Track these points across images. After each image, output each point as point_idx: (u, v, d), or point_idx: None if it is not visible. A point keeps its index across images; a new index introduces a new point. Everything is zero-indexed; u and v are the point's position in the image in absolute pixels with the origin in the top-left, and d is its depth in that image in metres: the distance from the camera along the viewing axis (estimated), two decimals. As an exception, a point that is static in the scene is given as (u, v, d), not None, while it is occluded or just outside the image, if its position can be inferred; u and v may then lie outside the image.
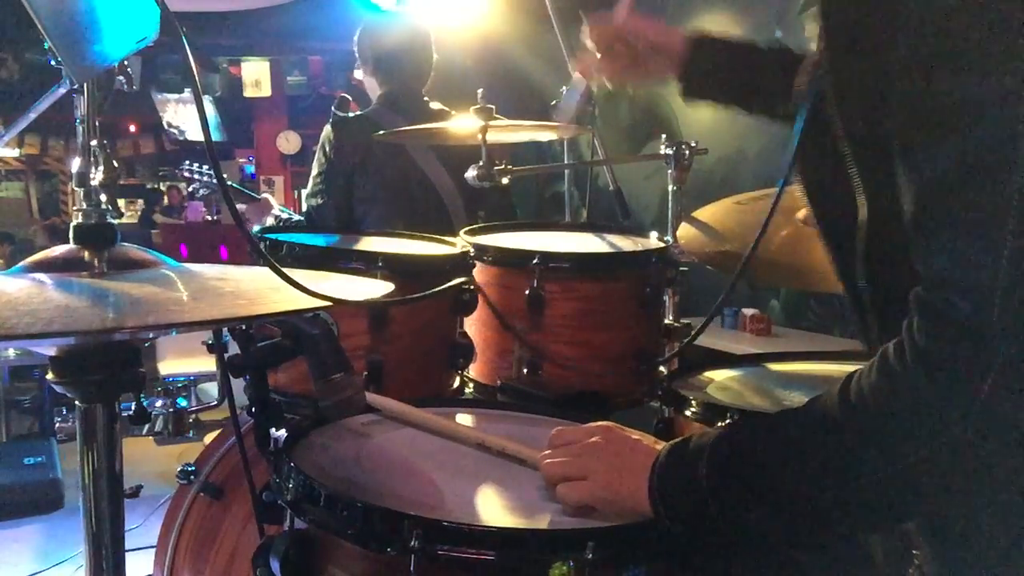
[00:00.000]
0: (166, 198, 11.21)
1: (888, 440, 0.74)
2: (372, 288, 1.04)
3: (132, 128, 10.43)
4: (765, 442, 0.84)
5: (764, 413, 1.34)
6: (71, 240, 0.92)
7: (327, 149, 2.71)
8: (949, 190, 0.70)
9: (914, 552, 0.91)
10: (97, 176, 0.92)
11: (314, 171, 2.76)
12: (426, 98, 2.82)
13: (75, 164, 0.92)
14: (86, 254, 0.91)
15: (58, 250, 0.93)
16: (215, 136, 9.07)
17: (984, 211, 0.68)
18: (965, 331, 0.69)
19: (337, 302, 0.83)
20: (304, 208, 2.82)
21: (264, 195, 3.38)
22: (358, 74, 2.92)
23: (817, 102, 0.90)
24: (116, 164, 0.93)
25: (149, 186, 11.71)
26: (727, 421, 1.33)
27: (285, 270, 0.85)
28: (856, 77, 0.82)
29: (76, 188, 0.91)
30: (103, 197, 0.92)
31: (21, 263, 0.91)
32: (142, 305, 0.82)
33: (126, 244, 0.94)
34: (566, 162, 2.70)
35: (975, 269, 0.68)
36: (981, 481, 0.74)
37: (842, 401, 0.77)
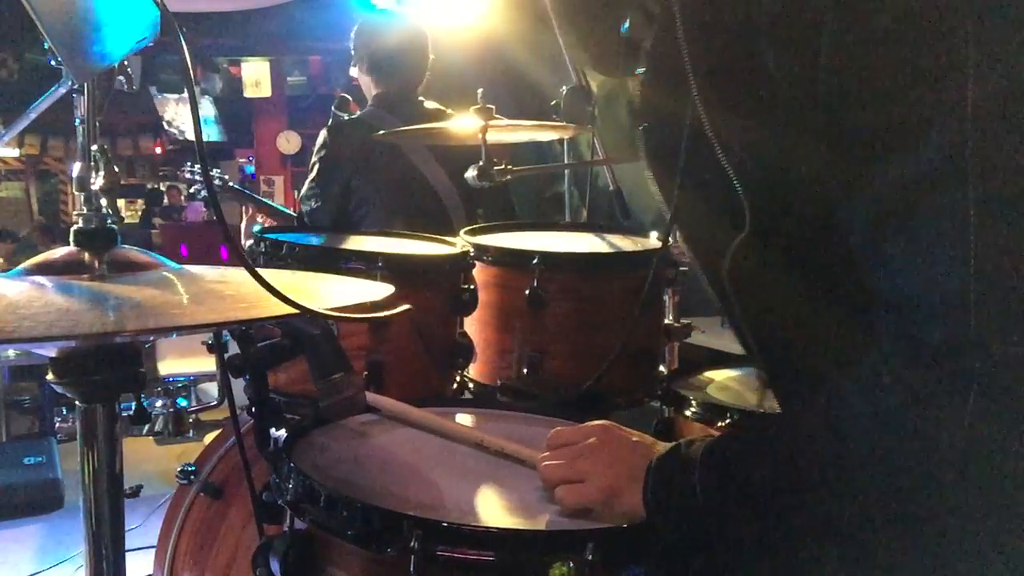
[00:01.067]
0: (166, 198, 11.21)
1: (878, 461, 0.72)
2: (371, 290, 1.04)
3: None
4: (757, 450, 0.84)
5: (763, 417, 1.33)
6: (71, 243, 0.92)
7: (323, 154, 2.72)
8: (905, 210, 0.69)
9: None
10: (97, 180, 0.92)
11: (311, 174, 2.76)
12: (421, 98, 2.82)
13: (75, 168, 0.92)
14: (86, 256, 0.91)
15: (58, 252, 0.93)
16: (215, 136, 9.08)
17: (944, 228, 0.67)
18: (941, 353, 0.67)
19: (305, 311, 0.82)
20: (302, 211, 2.82)
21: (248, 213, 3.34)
22: (353, 72, 2.92)
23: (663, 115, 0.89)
24: (116, 169, 0.93)
25: (150, 186, 11.71)
26: (727, 421, 1.33)
27: (286, 271, 0.84)
28: (737, 114, 0.80)
29: (76, 192, 0.91)
30: (103, 201, 0.91)
31: (22, 265, 0.91)
32: (142, 308, 0.82)
33: (126, 246, 0.94)
34: (566, 162, 2.69)
35: (944, 288, 0.66)
36: (974, 500, 0.72)
37: (828, 417, 0.76)
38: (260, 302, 0.83)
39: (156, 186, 11.63)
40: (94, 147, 0.91)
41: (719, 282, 0.90)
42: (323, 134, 2.75)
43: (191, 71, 0.82)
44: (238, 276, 0.95)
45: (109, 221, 0.91)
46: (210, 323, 0.78)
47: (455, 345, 1.59)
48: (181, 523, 1.58)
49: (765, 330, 0.92)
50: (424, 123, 2.27)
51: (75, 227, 0.91)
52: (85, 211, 0.91)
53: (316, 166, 2.73)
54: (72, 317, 0.75)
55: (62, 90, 1.11)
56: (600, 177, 2.41)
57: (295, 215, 3.12)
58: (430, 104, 2.80)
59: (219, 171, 3.37)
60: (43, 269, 0.90)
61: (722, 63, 0.81)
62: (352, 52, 2.87)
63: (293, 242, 1.57)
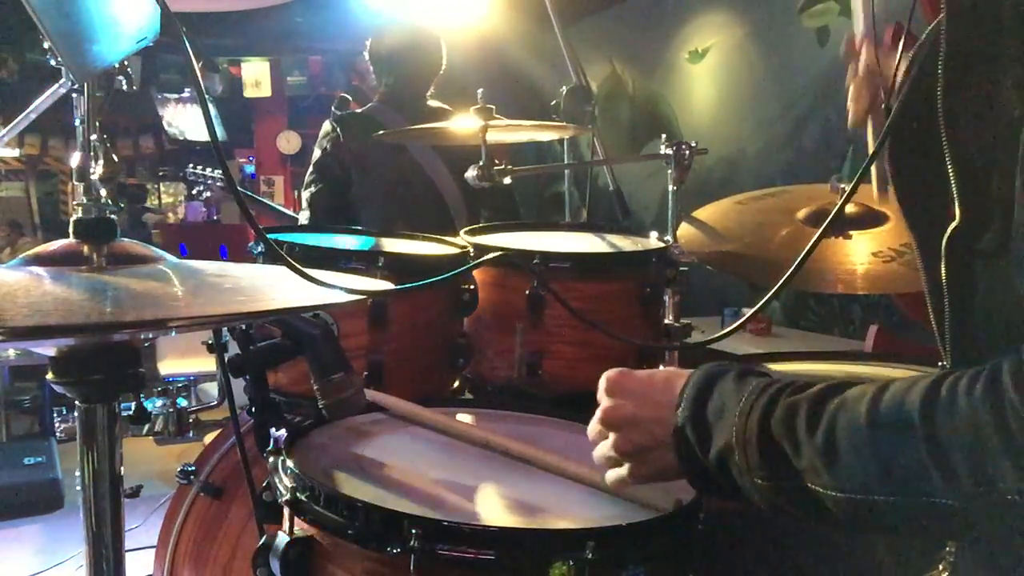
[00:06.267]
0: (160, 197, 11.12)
1: (964, 468, 0.62)
2: (373, 287, 1.04)
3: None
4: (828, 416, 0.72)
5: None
6: (71, 234, 0.92)
7: (324, 142, 2.73)
8: None
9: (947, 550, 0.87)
10: (97, 170, 0.92)
11: (312, 161, 2.77)
12: (427, 97, 2.82)
13: (75, 159, 0.92)
14: (85, 248, 0.90)
15: (57, 244, 0.92)
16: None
17: None
18: None
19: (360, 292, 0.82)
20: (303, 204, 2.82)
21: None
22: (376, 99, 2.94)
23: (914, 94, 0.81)
24: (116, 158, 0.92)
25: (149, 186, 11.67)
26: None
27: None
28: (976, 81, 0.70)
29: (76, 182, 0.91)
30: (103, 191, 0.91)
31: (20, 256, 0.91)
32: (141, 299, 0.81)
33: (125, 239, 0.94)
34: (566, 162, 2.69)
35: None
36: None
37: (925, 406, 0.66)
38: (259, 296, 0.83)
39: (153, 185, 11.58)
40: (93, 136, 0.91)
41: (938, 287, 0.80)
42: (326, 125, 2.76)
43: (197, 71, 0.82)
44: (237, 271, 0.95)
45: (108, 211, 0.91)
46: (208, 315, 0.78)
47: (455, 345, 1.59)
48: (181, 523, 1.58)
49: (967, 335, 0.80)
50: (427, 121, 2.27)
51: (74, 217, 0.91)
52: (84, 201, 0.91)
53: (317, 154, 2.74)
54: (70, 307, 0.75)
55: (62, 90, 1.11)
56: (600, 177, 2.41)
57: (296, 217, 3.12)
58: (434, 103, 2.80)
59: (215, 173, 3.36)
60: (42, 260, 0.90)
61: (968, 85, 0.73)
62: (368, 61, 2.89)
63: (293, 242, 1.57)
